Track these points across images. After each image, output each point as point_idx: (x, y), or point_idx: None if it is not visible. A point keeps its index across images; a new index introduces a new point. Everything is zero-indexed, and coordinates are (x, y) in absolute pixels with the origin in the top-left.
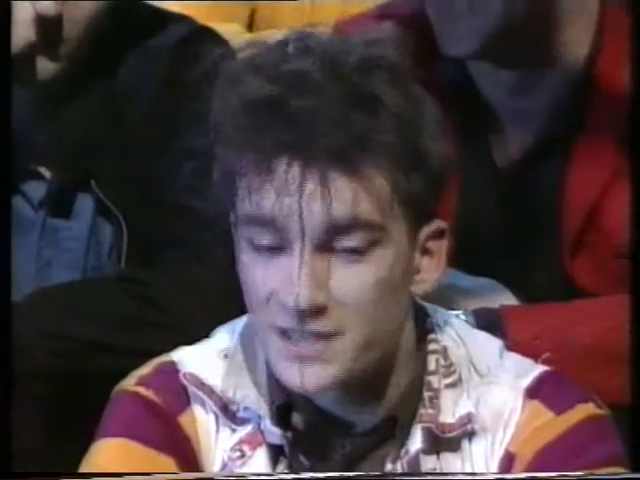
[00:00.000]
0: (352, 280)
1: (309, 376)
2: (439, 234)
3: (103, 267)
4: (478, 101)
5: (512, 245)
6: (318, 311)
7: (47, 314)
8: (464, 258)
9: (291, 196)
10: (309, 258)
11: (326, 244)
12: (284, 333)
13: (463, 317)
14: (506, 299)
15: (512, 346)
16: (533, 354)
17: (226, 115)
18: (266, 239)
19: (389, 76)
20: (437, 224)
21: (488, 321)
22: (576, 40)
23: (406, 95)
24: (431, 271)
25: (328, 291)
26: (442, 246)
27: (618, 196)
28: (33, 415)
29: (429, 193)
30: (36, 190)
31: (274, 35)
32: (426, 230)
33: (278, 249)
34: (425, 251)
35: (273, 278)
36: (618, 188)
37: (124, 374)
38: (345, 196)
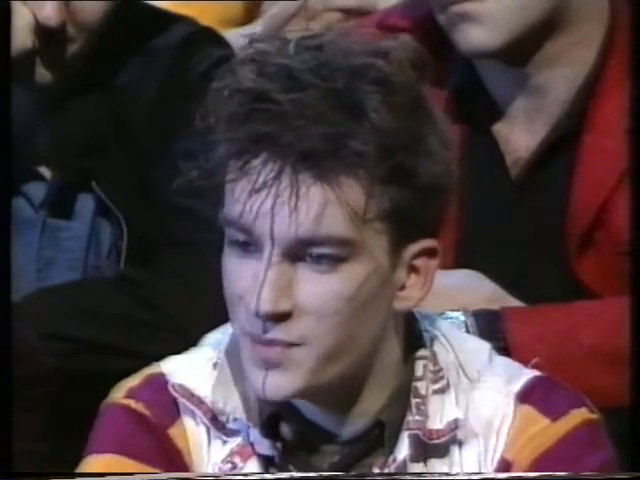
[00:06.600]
0: (319, 290)
1: (270, 383)
2: (429, 253)
3: (103, 267)
4: (487, 101)
5: (519, 244)
6: (281, 318)
7: (47, 314)
8: (470, 257)
9: (264, 197)
10: (276, 263)
11: (295, 251)
12: (253, 337)
13: (462, 318)
14: (487, 287)
15: (512, 348)
16: (533, 356)
17: (216, 106)
18: (241, 239)
19: (380, 88)
20: (426, 243)
21: (488, 322)
22: (586, 40)
23: (398, 110)
24: (416, 290)
25: (293, 299)
26: (431, 265)
27: (625, 194)
28: (33, 415)
29: (417, 211)
30: (37, 190)
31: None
32: (413, 248)
33: (251, 251)
34: (412, 269)
35: (243, 280)
36: (625, 187)
37: (123, 375)
38: (314, 207)
